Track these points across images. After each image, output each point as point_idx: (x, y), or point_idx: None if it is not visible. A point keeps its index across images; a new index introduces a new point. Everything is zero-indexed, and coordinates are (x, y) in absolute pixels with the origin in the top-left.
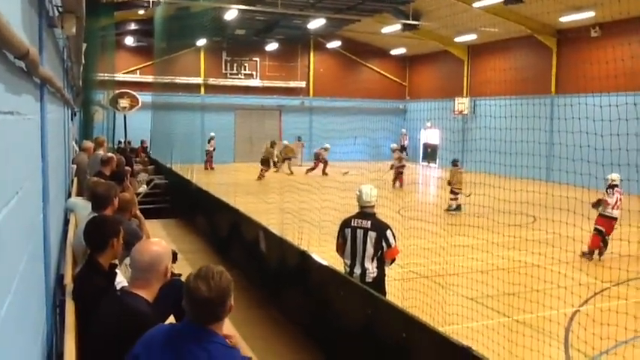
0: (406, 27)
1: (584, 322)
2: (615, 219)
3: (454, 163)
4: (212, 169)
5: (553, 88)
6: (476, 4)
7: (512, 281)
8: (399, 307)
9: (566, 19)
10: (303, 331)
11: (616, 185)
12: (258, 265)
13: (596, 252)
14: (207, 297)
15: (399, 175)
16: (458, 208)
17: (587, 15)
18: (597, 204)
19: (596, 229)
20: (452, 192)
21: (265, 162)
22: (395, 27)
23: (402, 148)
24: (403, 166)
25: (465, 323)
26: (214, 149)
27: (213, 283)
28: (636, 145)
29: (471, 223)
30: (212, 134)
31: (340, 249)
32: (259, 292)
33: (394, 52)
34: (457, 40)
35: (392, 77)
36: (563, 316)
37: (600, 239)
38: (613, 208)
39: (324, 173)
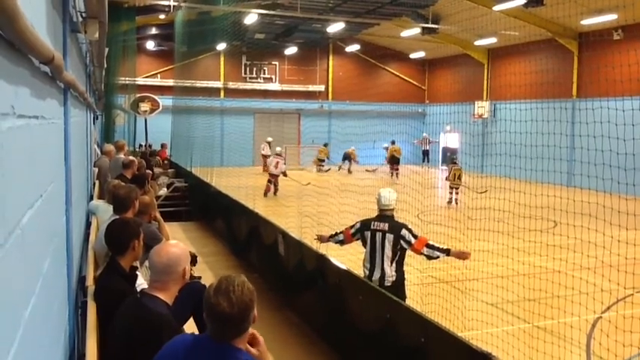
0: (425, 31)
1: (607, 329)
2: None
3: (453, 160)
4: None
5: (574, 92)
6: (496, 7)
7: (532, 287)
8: (418, 312)
9: (588, 22)
10: (321, 335)
11: None
12: (276, 269)
13: None
14: (229, 313)
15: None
16: (451, 201)
17: (610, 18)
18: None
19: None
20: (450, 187)
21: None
22: (414, 31)
23: (424, 153)
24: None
25: (484, 329)
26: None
27: (234, 297)
28: None
29: (491, 228)
30: (269, 139)
31: (348, 237)
32: (277, 296)
33: (413, 55)
34: (477, 43)
35: (411, 81)
36: (584, 323)
37: None
38: None
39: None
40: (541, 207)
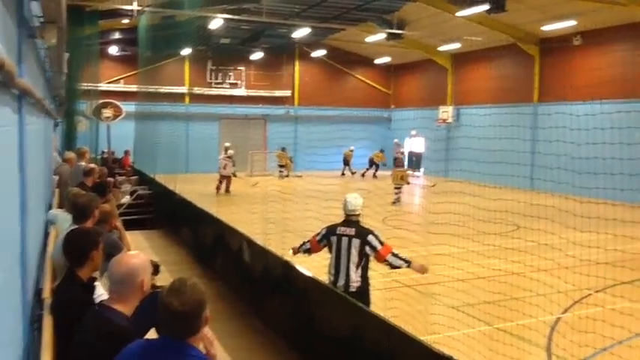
0: (391, 36)
1: (564, 330)
2: None
3: (395, 163)
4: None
5: (536, 97)
6: (459, 13)
7: (492, 290)
8: (382, 317)
9: (549, 27)
10: (287, 342)
11: None
12: (241, 276)
13: None
14: (180, 311)
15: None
16: (397, 201)
17: (569, 24)
18: None
19: None
20: (395, 188)
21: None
22: (379, 36)
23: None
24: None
25: (447, 332)
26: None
27: (185, 296)
28: (612, 153)
29: (452, 232)
30: (227, 144)
31: (315, 245)
32: (243, 303)
33: (379, 60)
34: (441, 48)
35: (377, 86)
36: (542, 324)
37: None
38: None
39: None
40: (503, 211)
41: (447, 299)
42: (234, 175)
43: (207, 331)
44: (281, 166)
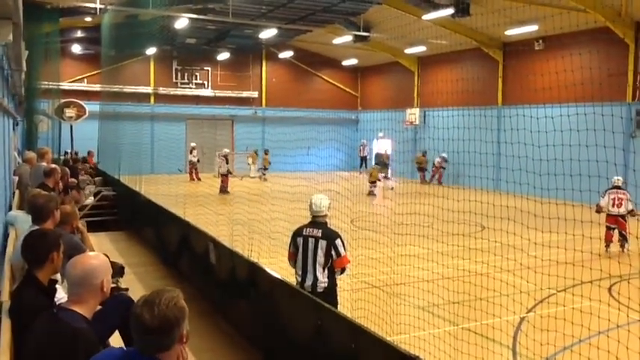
0: (357, 38)
1: (527, 329)
2: (620, 215)
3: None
4: (199, 179)
5: (500, 100)
6: (425, 17)
7: (458, 290)
8: (349, 318)
9: (512, 32)
10: (253, 343)
11: (616, 187)
12: (207, 278)
13: (612, 245)
14: (149, 326)
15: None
16: (370, 193)
17: (532, 28)
18: (597, 209)
19: (607, 226)
20: (370, 182)
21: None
22: (346, 38)
23: (362, 160)
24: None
25: (413, 332)
26: (199, 160)
27: (157, 310)
28: (572, 155)
29: (418, 233)
30: (193, 144)
31: (292, 258)
32: (209, 305)
33: (346, 62)
34: (407, 51)
35: (344, 88)
36: (507, 324)
37: (612, 234)
38: (613, 207)
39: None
40: (467, 212)
41: (413, 299)
42: (230, 174)
43: (182, 350)
44: (264, 168)
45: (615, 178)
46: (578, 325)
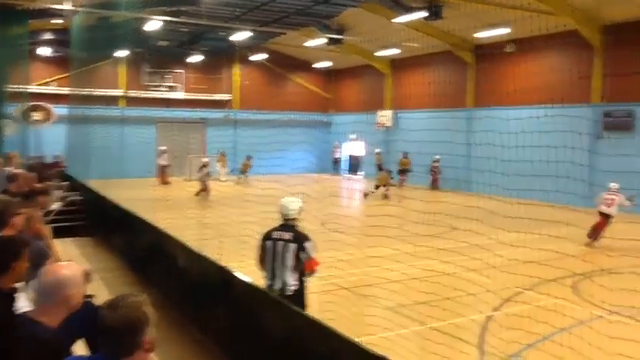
0: (331, 41)
1: (494, 328)
2: (605, 215)
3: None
4: (168, 183)
5: (471, 102)
6: (398, 20)
7: (426, 290)
8: (318, 320)
9: (483, 35)
10: (223, 349)
11: (613, 191)
12: (177, 283)
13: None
14: (111, 326)
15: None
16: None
17: (503, 31)
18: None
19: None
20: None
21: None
22: (320, 41)
23: (335, 162)
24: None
25: (382, 333)
26: (169, 164)
27: (120, 311)
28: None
29: (387, 235)
30: (163, 148)
31: (261, 262)
32: (179, 311)
33: (319, 65)
34: (380, 54)
35: (317, 90)
36: (473, 323)
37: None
38: (604, 206)
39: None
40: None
41: (382, 300)
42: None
43: (150, 357)
44: (243, 171)
45: (612, 183)
46: (543, 323)
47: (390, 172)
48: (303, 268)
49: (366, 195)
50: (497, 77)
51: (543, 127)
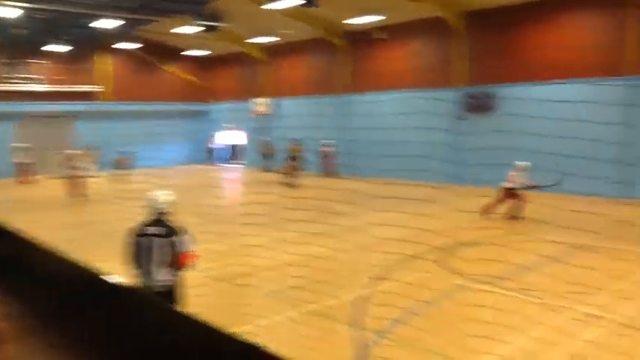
0: (206, 28)
1: (364, 306)
2: (512, 189)
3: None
4: (31, 182)
5: (346, 87)
6: (273, 7)
7: (300, 275)
8: (192, 315)
9: (357, 21)
10: (95, 354)
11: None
12: (41, 290)
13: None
14: None
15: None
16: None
17: (375, 18)
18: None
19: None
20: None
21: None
22: (194, 28)
23: (210, 151)
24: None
25: (258, 322)
26: (31, 162)
27: None
28: (408, 137)
29: (262, 222)
30: (22, 145)
31: (132, 259)
32: (41, 321)
33: (195, 53)
34: (256, 41)
35: (193, 79)
36: (345, 303)
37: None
38: (506, 182)
39: None
40: (312, 198)
41: (258, 289)
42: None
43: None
44: (118, 166)
45: (521, 162)
46: (409, 298)
47: (295, 160)
48: (178, 262)
49: (290, 185)
50: (370, 63)
51: (411, 108)
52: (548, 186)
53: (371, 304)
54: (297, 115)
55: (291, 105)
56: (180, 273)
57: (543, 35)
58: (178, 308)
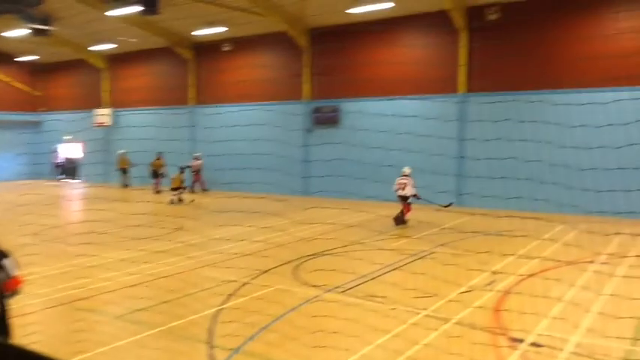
0: (37, 32)
1: (219, 323)
2: (404, 197)
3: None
4: None
5: (193, 99)
6: (112, 13)
7: (146, 296)
8: (19, 347)
9: (202, 32)
10: None
11: (403, 175)
12: None
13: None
14: None
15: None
16: (172, 202)
17: (220, 30)
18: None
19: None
20: (172, 189)
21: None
22: (23, 31)
23: (58, 167)
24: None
25: (100, 348)
26: None
27: None
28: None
29: (99, 242)
30: None
31: None
32: None
33: (24, 58)
34: (95, 48)
35: (23, 87)
36: (203, 319)
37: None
38: (398, 190)
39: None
40: (153, 214)
41: (98, 313)
42: None
43: None
44: None
45: (404, 168)
46: (260, 312)
47: (183, 172)
48: (3, 288)
49: (172, 202)
50: (218, 75)
51: (263, 121)
52: (434, 203)
53: (219, 322)
54: (143, 126)
55: (133, 115)
56: (6, 301)
57: (382, 52)
58: (7, 340)
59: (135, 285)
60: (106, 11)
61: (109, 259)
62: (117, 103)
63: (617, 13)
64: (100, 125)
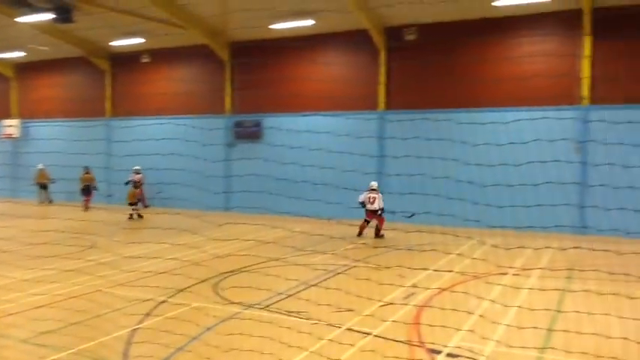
0: None
1: (142, 338)
2: (372, 210)
3: (135, 185)
4: None
5: (109, 111)
6: (21, 20)
7: (53, 318)
8: None
9: (119, 43)
10: None
11: (371, 189)
12: None
13: (364, 233)
14: None
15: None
16: (131, 217)
17: (138, 41)
18: (362, 204)
19: (365, 219)
20: (130, 204)
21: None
22: None
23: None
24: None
25: None
26: None
27: None
28: (183, 164)
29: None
30: None
31: None
32: None
33: None
34: (5, 56)
35: None
36: (107, 345)
37: (365, 225)
38: (369, 204)
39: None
40: (63, 231)
41: (18, 332)
42: None
43: None
44: None
45: (372, 182)
46: (178, 335)
47: (137, 186)
48: None
49: (131, 217)
50: (136, 87)
51: (183, 135)
52: (404, 215)
53: (133, 343)
54: (55, 139)
55: (44, 127)
56: None
57: (304, 69)
58: None
59: (41, 306)
60: (15, 17)
61: (11, 279)
62: (27, 114)
63: (520, 38)
64: (8, 137)
